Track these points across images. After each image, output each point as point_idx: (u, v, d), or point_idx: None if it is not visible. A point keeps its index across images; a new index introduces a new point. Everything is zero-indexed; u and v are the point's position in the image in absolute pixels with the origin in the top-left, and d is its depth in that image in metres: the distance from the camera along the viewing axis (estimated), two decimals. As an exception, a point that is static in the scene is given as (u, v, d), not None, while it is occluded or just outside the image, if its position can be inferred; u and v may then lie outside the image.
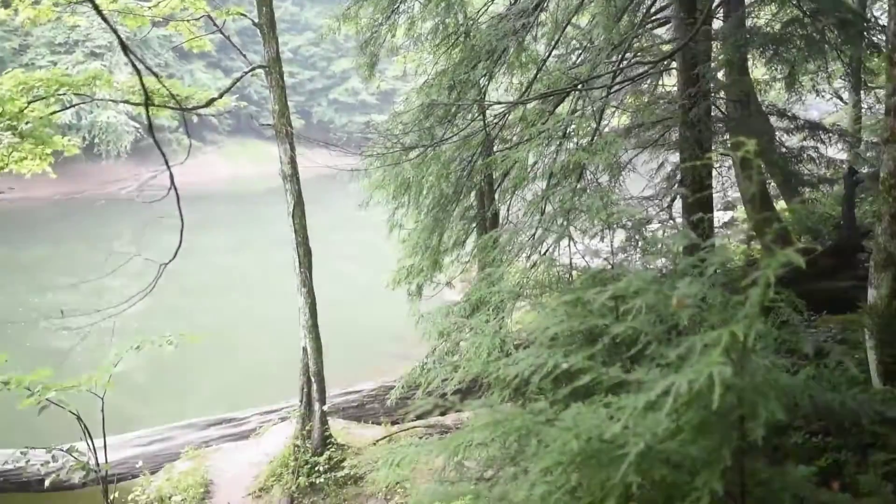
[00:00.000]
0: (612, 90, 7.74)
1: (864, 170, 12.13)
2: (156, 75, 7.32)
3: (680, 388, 2.91)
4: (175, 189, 6.17)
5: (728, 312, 3.54)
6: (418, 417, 10.24)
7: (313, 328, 9.27)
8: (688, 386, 2.90)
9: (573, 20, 9.28)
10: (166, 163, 6.10)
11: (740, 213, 17.80)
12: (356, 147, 9.18)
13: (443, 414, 9.87)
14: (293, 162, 8.73)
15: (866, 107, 16.10)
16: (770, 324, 6.09)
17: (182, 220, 6.52)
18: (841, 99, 16.88)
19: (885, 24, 6.59)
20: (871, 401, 5.11)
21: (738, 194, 15.47)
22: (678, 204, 9.33)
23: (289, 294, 9.70)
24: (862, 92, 15.46)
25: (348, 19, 8.98)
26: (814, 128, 9.75)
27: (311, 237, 9.31)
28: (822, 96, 11.55)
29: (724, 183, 13.20)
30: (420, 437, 9.50)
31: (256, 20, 8.76)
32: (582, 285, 5.26)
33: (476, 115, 7.93)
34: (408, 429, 10.24)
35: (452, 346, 7.57)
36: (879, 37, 7.71)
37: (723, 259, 3.40)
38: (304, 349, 9.36)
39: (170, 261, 6.97)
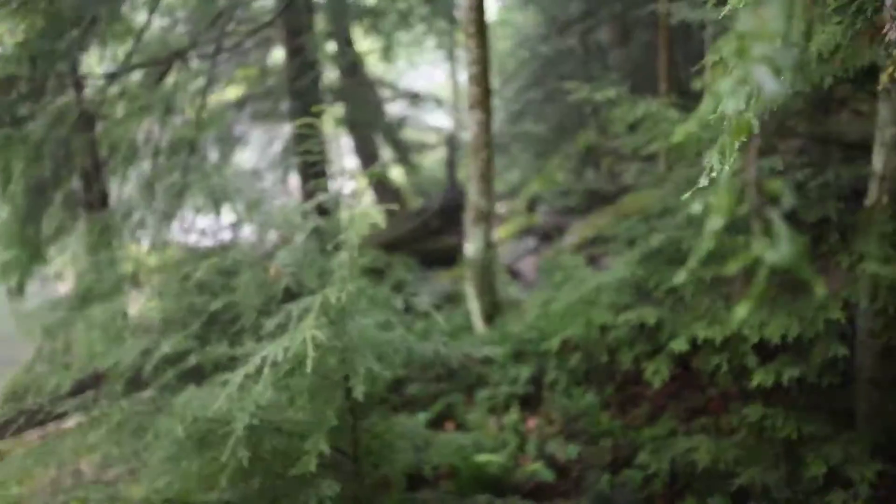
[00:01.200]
0: (218, 62, 7.54)
1: (464, 135, 13.27)
2: None
3: (276, 357, 2.91)
4: None
5: (325, 277, 3.64)
6: (37, 425, 9.28)
7: None
8: (283, 353, 2.91)
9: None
10: None
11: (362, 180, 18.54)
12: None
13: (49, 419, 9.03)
14: None
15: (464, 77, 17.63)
16: (388, 284, 6.41)
17: None
18: (445, 70, 18.30)
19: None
20: (465, 345, 5.60)
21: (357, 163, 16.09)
22: (296, 176, 9.43)
23: None
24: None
25: None
26: (415, 97, 10.42)
27: None
28: (416, 67, 12.37)
29: (340, 152, 13.65)
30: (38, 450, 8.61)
31: None
32: (191, 264, 5.08)
33: (68, 89, 7.21)
34: (22, 443, 9.22)
35: (64, 343, 6.94)
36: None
37: (312, 225, 3.47)
38: None
39: None
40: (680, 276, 1.52)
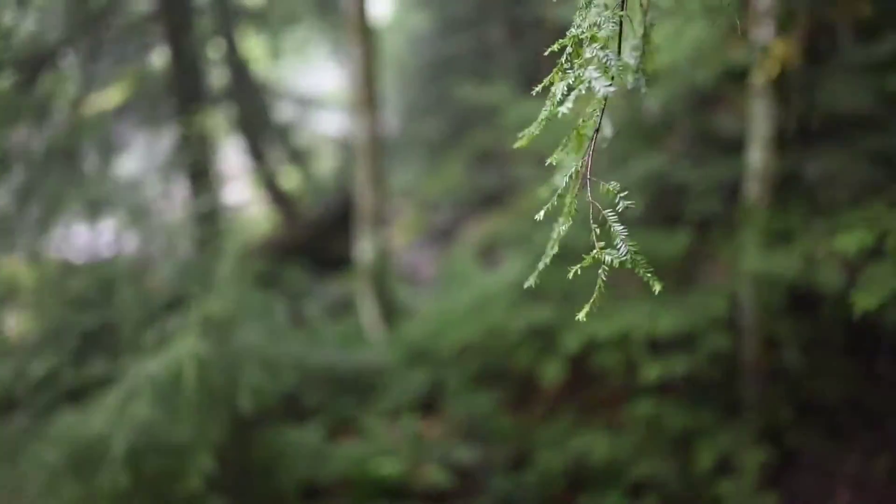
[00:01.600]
0: (98, 65, 7.21)
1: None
2: None
3: (156, 373, 2.77)
4: None
5: (209, 286, 3.50)
6: None
7: None
8: (164, 369, 2.76)
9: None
10: None
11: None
12: None
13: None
14: None
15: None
16: (279, 291, 6.24)
17: None
18: (338, 73, 18.09)
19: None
20: (360, 352, 5.50)
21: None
22: (181, 182, 9.06)
23: None
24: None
25: None
26: (304, 100, 10.22)
27: None
28: (308, 70, 12.14)
29: (228, 157, 13.27)
30: None
31: None
32: (68, 277, 4.82)
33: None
34: None
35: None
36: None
37: (196, 234, 3.34)
38: None
39: None
40: (530, 281, 1.54)
